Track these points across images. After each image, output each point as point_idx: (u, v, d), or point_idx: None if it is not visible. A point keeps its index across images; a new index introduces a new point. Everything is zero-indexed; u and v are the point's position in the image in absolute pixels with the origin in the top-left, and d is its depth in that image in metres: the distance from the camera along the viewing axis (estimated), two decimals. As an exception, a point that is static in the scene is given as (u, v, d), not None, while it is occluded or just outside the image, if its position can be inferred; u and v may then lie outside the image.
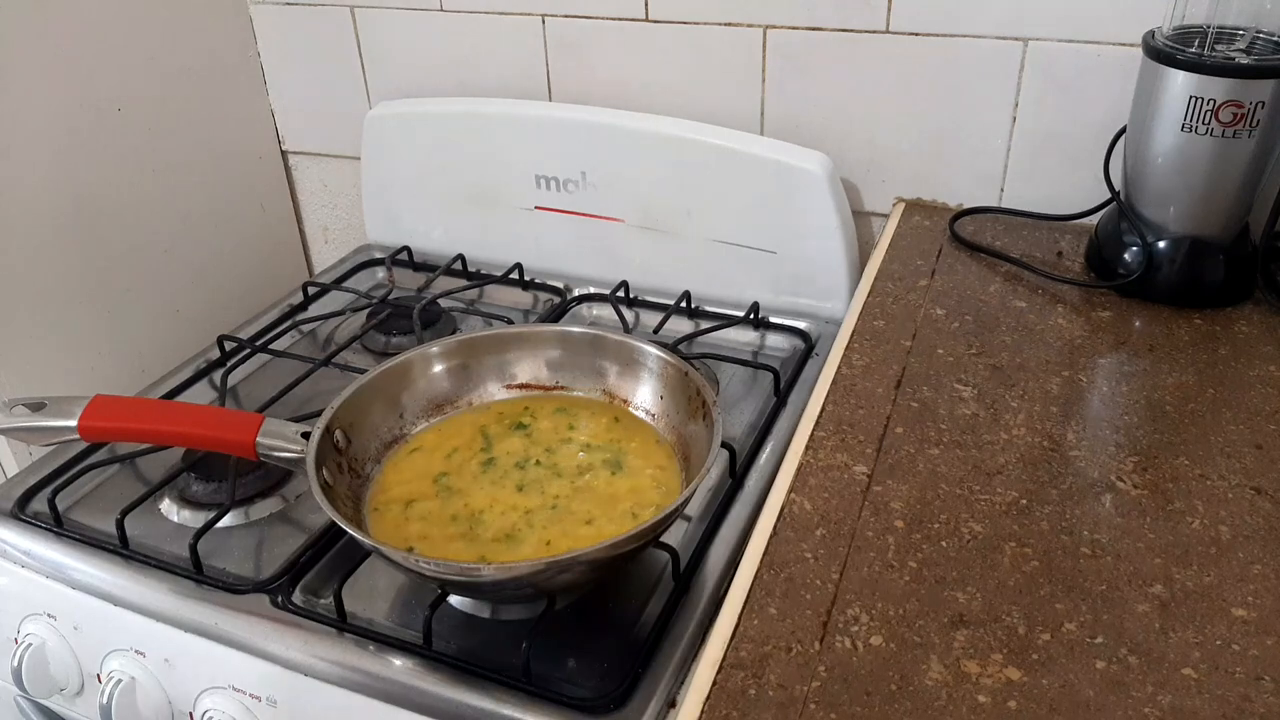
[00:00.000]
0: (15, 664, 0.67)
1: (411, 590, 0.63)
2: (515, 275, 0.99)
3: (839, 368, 0.69)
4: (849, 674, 0.46)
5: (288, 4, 1.06)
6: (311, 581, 0.64)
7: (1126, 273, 0.76)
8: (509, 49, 0.99)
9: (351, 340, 0.89)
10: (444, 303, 0.96)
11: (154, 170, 0.99)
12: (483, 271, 1.01)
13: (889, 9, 0.85)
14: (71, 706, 0.71)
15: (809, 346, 0.87)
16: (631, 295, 0.94)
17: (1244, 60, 0.69)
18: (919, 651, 0.47)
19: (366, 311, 0.95)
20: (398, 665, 0.57)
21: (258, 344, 0.89)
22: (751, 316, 0.89)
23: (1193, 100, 0.69)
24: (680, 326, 0.89)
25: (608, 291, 0.94)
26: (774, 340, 0.90)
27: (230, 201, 1.10)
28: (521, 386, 0.73)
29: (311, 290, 0.98)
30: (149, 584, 0.64)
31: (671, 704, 0.54)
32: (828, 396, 0.66)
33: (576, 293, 0.97)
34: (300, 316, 0.95)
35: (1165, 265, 0.75)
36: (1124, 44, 0.79)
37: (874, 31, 0.86)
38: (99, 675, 0.67)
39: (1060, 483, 0.58)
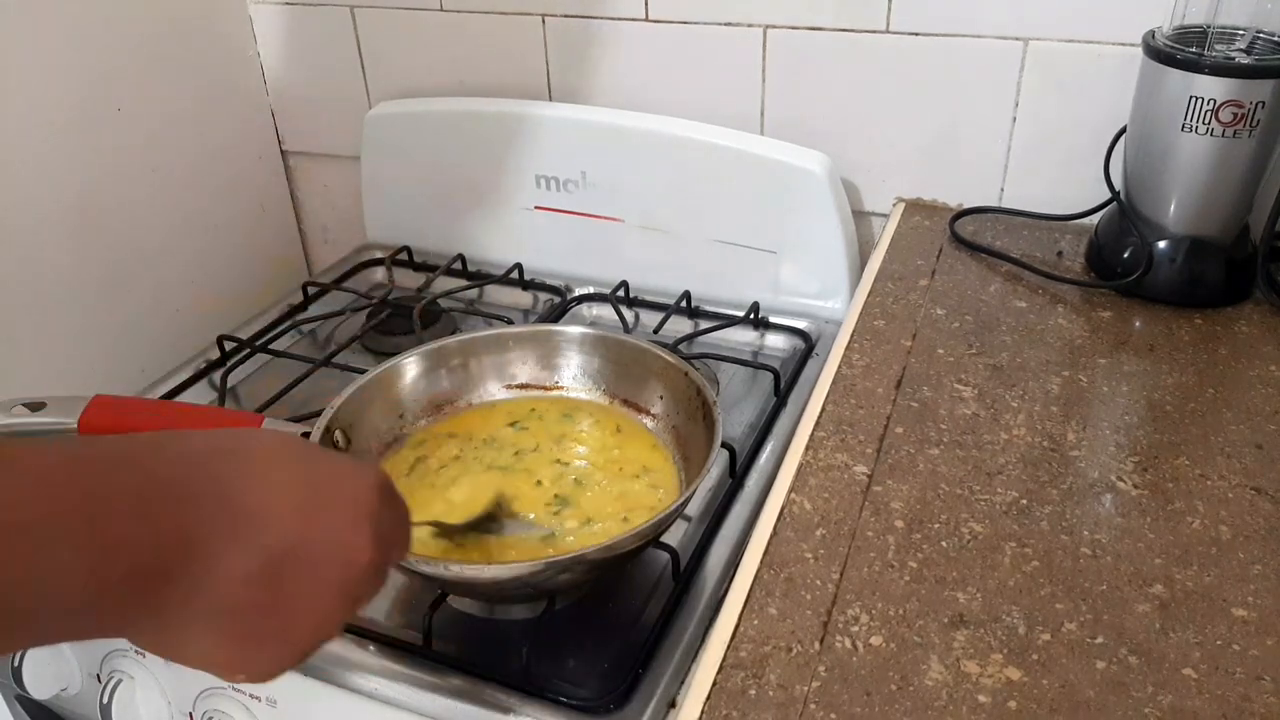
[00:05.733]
0: (15, 664, 0.67)
1: (411, 590, 0.63)
2: (515, 275, 0.99)
3: (839, 368, 0.69)
4: (849, 674, 0.46)
5: (288, 4, 1.06)
6: (311, 581, 0.64)
7: (1126, 273, 0.76)
8: (509, 49, 0.99)
9: (351, 340, 0.89)
10: (444, 303, 0.96)
11: (154, 170, 0.99)
12: (483, 271, 1.01)
13: (889, 9, 0.85)
14: (71, 706, 0.70)
15: (809, 346, 0.87)
16: (631, 295, 0.94)
17: (1244, 60, 0.69)
18: (919, 651, 0.47)
19: (366, 311, 0.95)
20: (398, 665, 0.57)
21: (257, 344, 0.89)
22: (751, 316, 0.89)
23: (1193, 100, 0.69)
24: (680, 326, 0.89)
25: (608, 291, 0.94)
26: (774, 340, 0.90)
27: (230, 201, 1.10)
28: (521, 386, 0.73)
29: (311, 290, 0.98)
30: (149, 584, 0.64)
31: (671, 704, 0.54)
32: (828, 396, 0.66)
33: (576, 293, 0.97)
34: (300, 316, 0.95)
35: (1165, 265, 0.75)
36: (1124, 44, 0.79)
37: (874, 31, 0.86)
38: (99, 675, 0.67)
39: (1060, 483, 0.58)
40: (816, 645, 0.48)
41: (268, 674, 0.38)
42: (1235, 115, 0.68)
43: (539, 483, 0.64)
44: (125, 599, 0.32)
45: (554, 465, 0.66)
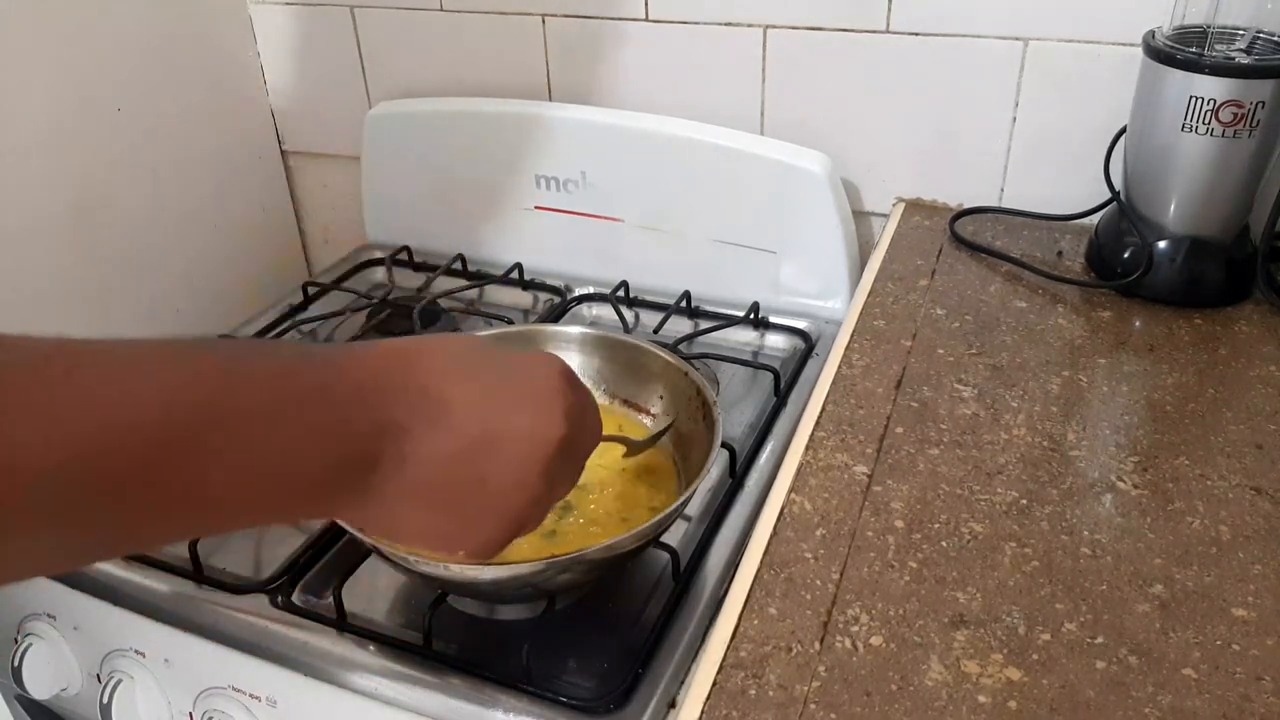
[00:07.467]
0: (15, 664, 0.67)
1: (411, 590, 0.63)
2: (515, 275, 0.99)
3: (839, 368, 0.69)
4: (849, 674, 0.46)
5: (288, 4, 1.06)
6: (311, 581, 0.64)
7: (1126, 273, 0.76)
8: (509, 49, 0.99)
9: (351, 340, 0.89)
10: (444, 303, 0.96)
11: (154, 170, 0.99)
12: (483, 271, 1.01)
13: (889, 9, 0.85)
14: (71, 706, 0.71)
15: (809, 346, 0.87)
16: (631, 295, 0.94)
17: (1244, 60, 0.69)
18: (919, 651, 0.47)
19: (366, 311, 0.95)
20: (398, 665, 0.57)
21: (258, 344, 0.89)
22: (751, 316, 0.89)
23: (1193, 100, 0.69)
24: (680, 326, 0.89)
25: (608, 291, 0.94)
26: (774, 340, 0.90)
27: (230, 201, 1.10)
28: (521, 386, 0.73)
29: (311, 290, 0.98)
30: (149, 584, 0.64)
31: (671, 704, 0.54)
32: (828, 396, 0.66)
33: (576, 293, 0.97)
34: (300, 316, 0.95)
35: (1165, 265, 0.75)
36: (1124, 44, 0.79)
37: (874, 31, 0.86)
38: (99, 675, 0.67)
39: (1060, 483, 0.58)
40: (816, 645, 0.48)
41: (483, 549, 0.43)
42: (1235, 115, 0.68)
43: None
44: (342, 479, 0.36)
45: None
